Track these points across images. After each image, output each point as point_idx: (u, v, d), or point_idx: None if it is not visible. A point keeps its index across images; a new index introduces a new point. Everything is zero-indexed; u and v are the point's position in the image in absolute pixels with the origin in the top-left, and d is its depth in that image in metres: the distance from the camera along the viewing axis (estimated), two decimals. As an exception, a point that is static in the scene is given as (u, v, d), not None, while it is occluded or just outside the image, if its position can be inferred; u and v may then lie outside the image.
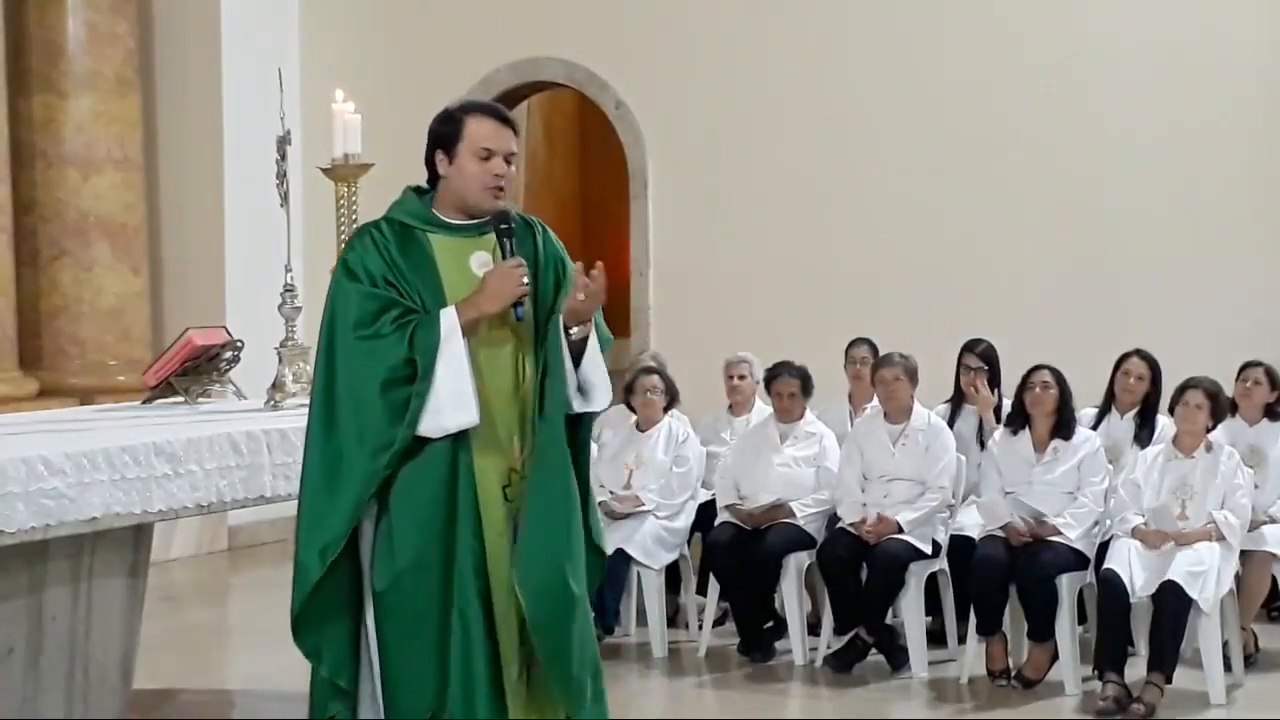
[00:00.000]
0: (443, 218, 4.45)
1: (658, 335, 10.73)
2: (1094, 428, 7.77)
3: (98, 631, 5.74)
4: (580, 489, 4.49)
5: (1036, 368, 7.47)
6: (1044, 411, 7.38)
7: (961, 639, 7.52)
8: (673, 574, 8.27)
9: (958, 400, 8.28)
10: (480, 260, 4.44)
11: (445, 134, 4.43)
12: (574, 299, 4.39)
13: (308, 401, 4.44)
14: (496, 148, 4.39)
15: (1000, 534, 7.27)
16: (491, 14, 11.19)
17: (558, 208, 14.98)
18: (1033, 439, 7.41)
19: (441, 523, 4.32)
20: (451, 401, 4.27)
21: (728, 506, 8.01)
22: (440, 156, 4.45)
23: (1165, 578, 6.79)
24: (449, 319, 4.30)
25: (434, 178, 4.51)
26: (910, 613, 7.52)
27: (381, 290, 4.32)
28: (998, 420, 7.92)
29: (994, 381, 8.18)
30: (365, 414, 4.27)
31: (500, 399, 4.39)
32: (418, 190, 4.53)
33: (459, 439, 4.32)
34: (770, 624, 7.90)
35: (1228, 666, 7.07)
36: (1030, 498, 7.25)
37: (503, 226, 4.41)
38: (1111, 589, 6.87)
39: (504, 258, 4.38)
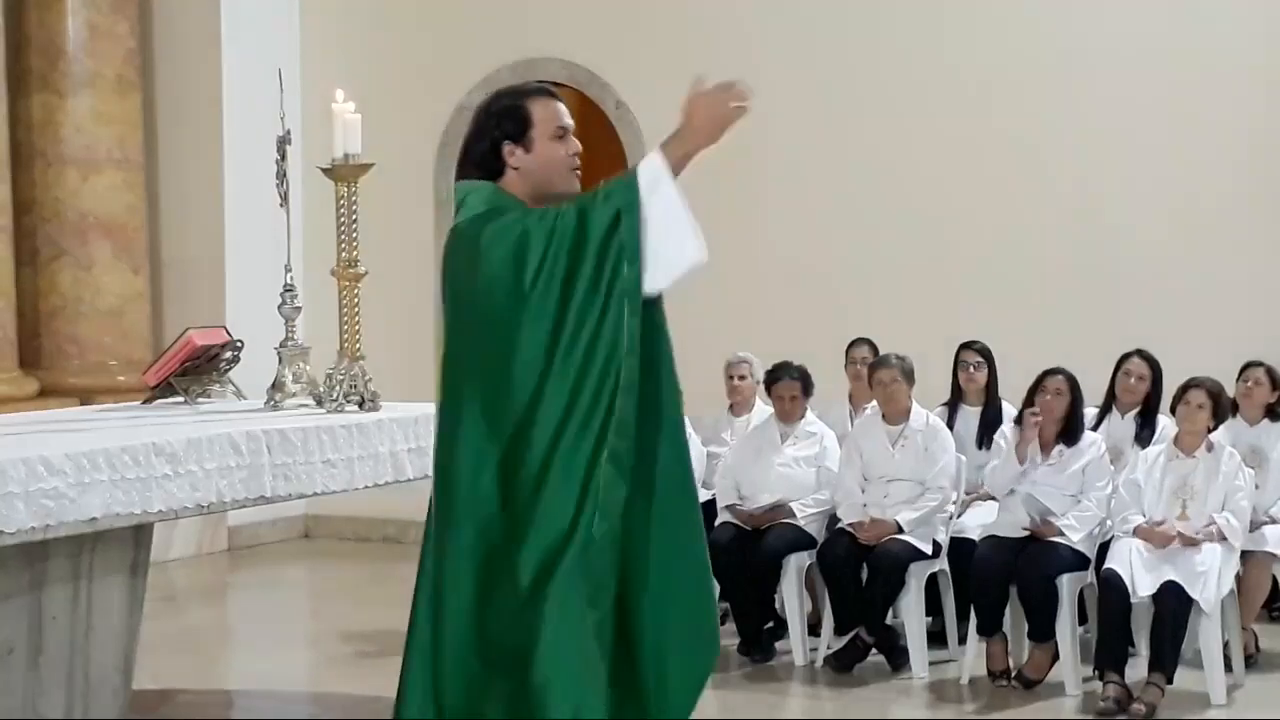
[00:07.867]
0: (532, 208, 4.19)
1: (658, 335, 10.69)
2: (1095, 428, 7.75)
3: (98, 631, 5.73)
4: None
5: (1051, 372, 7.39)
6: (1054, 418, 7.33)
7: (962, 639, 7.52)
8: (673, 574, 8.25)
9: (955, 401, 8.29)
10: None
11: (511, 125, 4.20)
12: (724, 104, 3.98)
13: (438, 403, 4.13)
14: (568, 124, 4.23)
15: (1001, 535, 7.27)
16: (491, 14, 11.17)
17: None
18: (1039, 441, 7.39)
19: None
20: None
21: (728, 507, 8.00)
22: (510, 148, 4.19)
23: (1166, 578, 6.79)
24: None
25: (493, 174, 4.23)
26: (911, 613, 7.51)
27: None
28: (995, 421, 7.94)
29: (991, 381, 8.19)
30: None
31: None
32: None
33: None
34: (770, 624, 7.90)
35: (1228, 667, 7.07)
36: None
37: None
38: (1112, 589, 6.86)
39: None
